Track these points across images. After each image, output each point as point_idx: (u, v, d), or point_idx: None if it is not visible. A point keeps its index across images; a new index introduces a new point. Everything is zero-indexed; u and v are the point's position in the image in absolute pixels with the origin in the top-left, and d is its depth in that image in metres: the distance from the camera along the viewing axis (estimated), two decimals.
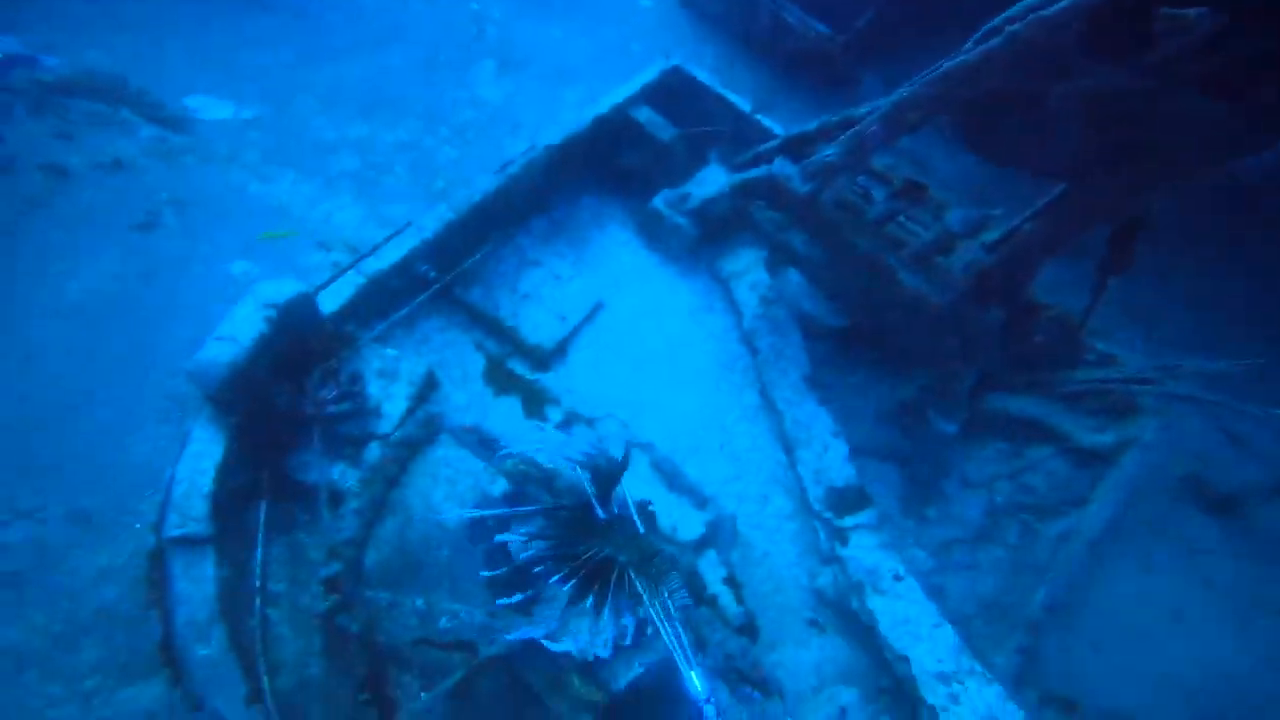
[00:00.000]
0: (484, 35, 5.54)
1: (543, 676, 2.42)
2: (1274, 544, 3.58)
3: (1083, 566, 2.93)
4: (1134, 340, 3.69)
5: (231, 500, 2.53)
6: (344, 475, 2.76)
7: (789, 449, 3.40)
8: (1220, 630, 3.33)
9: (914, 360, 3.34)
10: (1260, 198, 4.31)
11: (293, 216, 4.10)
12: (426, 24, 5.51)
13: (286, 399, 2.67)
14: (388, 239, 3.35)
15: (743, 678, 2.58)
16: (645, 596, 2.28)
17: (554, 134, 3.85)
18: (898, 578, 3.04)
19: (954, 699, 2.71)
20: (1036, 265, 2.82)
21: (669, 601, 2.30)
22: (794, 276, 3.78)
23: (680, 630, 2.26)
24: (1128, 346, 3.37)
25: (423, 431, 2.91)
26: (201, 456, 2.45)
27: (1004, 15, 2.34)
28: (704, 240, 4.05)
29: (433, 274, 3.39)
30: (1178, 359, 3.05)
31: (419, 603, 2.48)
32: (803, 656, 3.11)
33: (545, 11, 5.84)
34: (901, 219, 3.25)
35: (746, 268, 3.97)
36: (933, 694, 2.74)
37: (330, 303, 3.04)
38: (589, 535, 2.57)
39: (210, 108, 4.58)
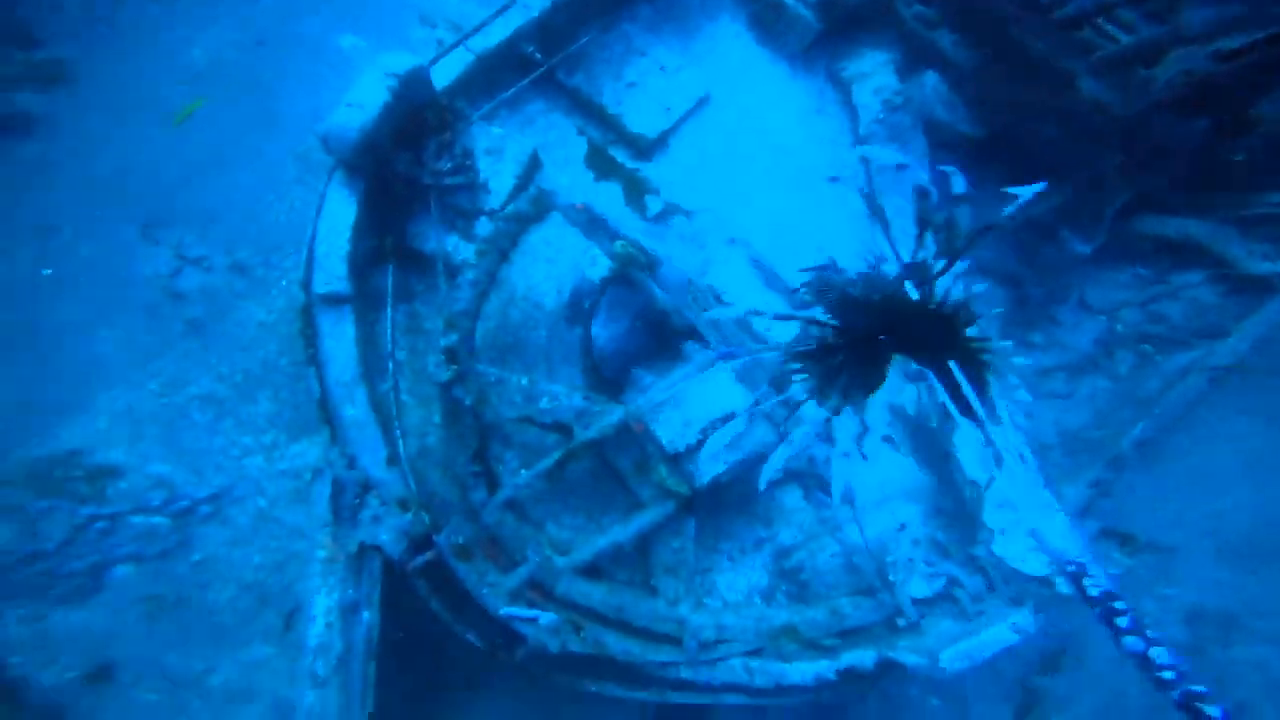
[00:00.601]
0: None
1: (631, 462, 2.63)
2: None
3: (1190, 404, 2.72)
4: None
5: (363, 263, 2.68)
6: (457, 248, 2.87)
7: (894, 261, 3.23)
8: None
9: (1060, 176, 2.99)
10: None
11: None
12: None
13: (406, 167, 2.74)
14: (494, 16, 3.20)
15: (819, 482, 2.66)
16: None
17: None
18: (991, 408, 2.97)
19: (1014, 524, 2.74)
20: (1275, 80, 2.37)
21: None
22: (931, 80, 3.37)
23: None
24: None
25: (531, 208, 2.93)
26: (337, 218, 2.59)
27: None
28: (826, 36, 3.63)
29: (538, 55, 3.26)
30: None
31: (523, 381, 2.64)
32: (871, 469, 3.17)
33: None
34: (1099, 21, 2.76)
35: (872, 70, 3.56)
36: (994, 518, 2.76)
37: (441, 78, 2.98)
38: None
39: None
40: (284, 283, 3.05)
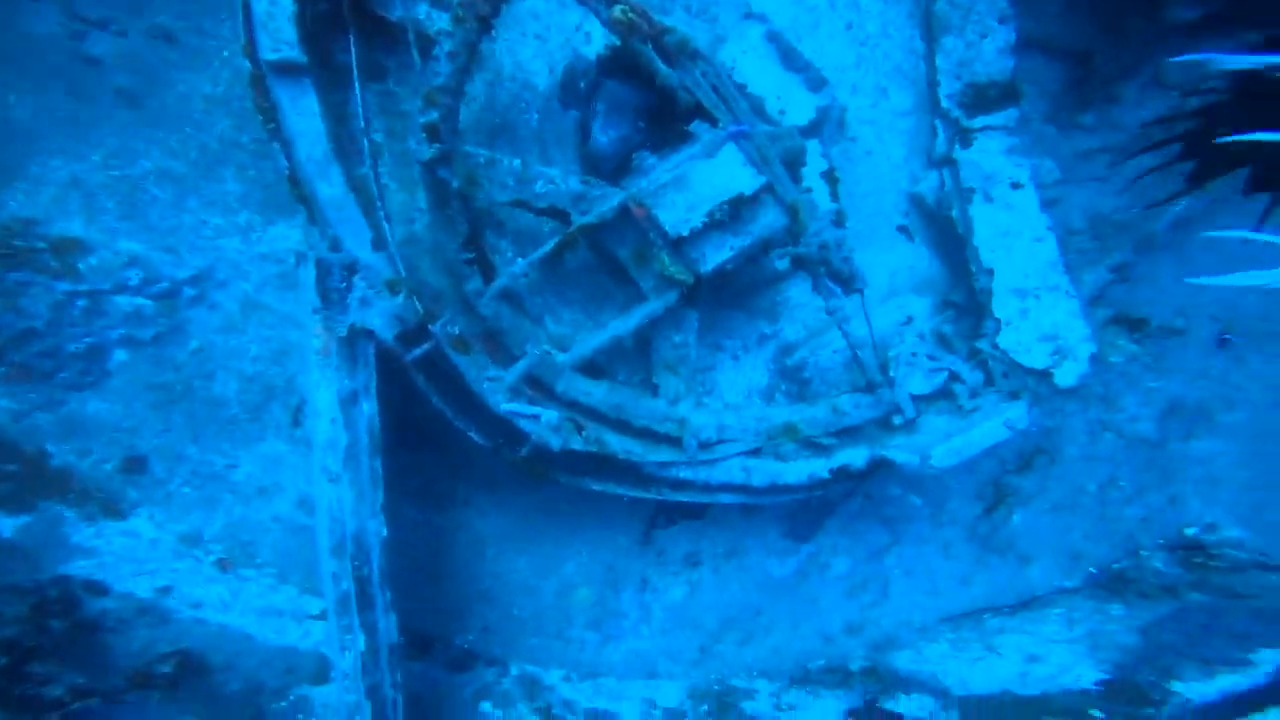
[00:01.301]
0: None
1: (632, 250, 2.46)
2: None
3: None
4: None
5: (316, 30, 2.32)
6: (430, 17, 2.46)
7: (933, 36, 2.78)
8: None
9: None
10: None
11: None
12: None
13: None
14: None
15: (830, 271, 2.53)
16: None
17: None
18: (1016, 185, 2.76)
19: (1023, 313, 2.69)
20: None
21: None
22: None
23: None
24: None
25: None
26: None
27: None
28: None
29: None
30: None
31: (515, 163, 2.40)
32: (882, 261, 3.07)
33: None
34: None
35: None
36: (1003, 307, 2.71)
37: None
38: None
39: None
40: (225, 53, 2.68)
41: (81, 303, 2.58)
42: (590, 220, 2.37)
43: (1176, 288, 3.09)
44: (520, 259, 2.51)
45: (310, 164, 2.29)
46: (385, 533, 2.31)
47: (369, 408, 2.21)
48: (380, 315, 2.16)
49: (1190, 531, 3.41)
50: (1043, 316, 2.69)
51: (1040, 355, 2.65)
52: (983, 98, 2.75)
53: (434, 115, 2.31)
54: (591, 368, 2.55)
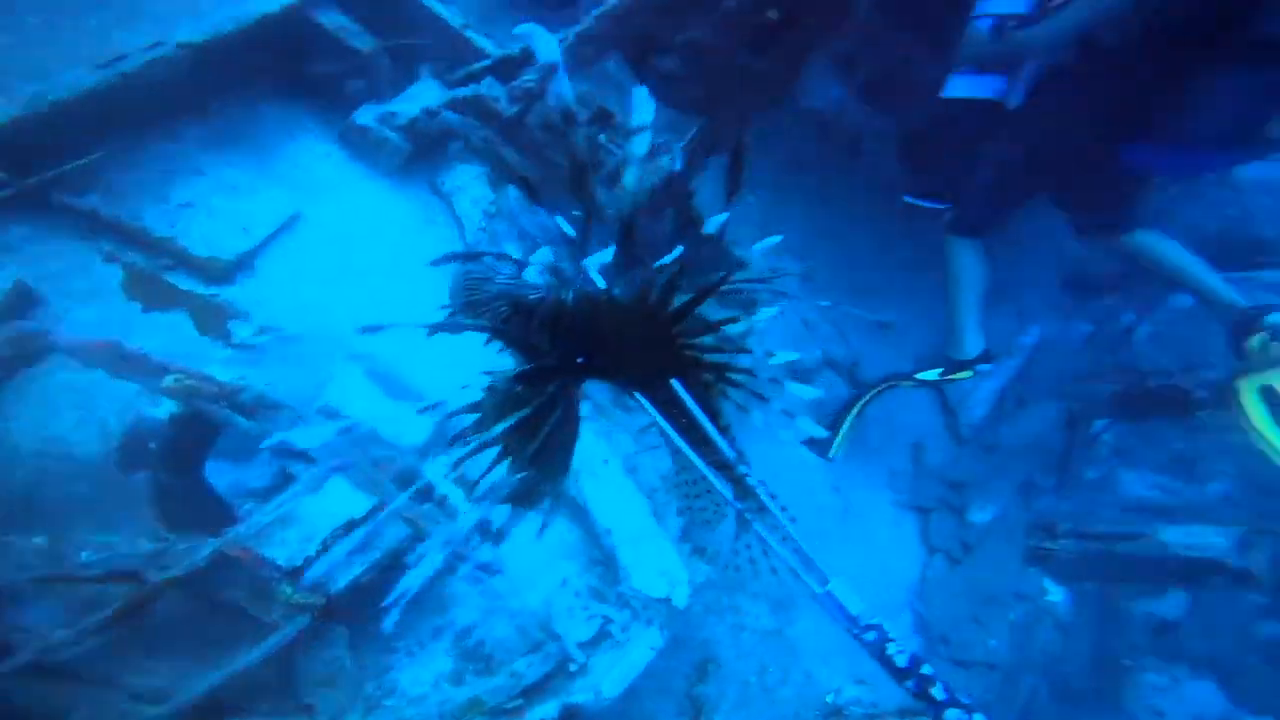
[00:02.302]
0: None
1: (246, 592, 2.35)
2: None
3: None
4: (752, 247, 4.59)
5: None
6: None
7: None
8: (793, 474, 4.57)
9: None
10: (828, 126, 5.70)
11: None
12: None
13: None
14: None
15: (465, 561, 2.80)
16: None
17: (195, 31, 3.36)
18: (605, 462, 3.51)
19: (640, 558, 3.23)
20: (689, 179, 3.40)
21: None
22: (513, 192, 3.94)
23: None
24: (749, 253, 4.25)
25: (12, 351, 2.48)
26: None
27: None
28: (419, 155, 3.98)
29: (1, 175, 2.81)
30: (780, 262, 4.01)
31: (37, 540, 2.17)
32: (534, 539, 3.45)
33: None
34: (603, 139, 3.60)
35: (467, 184, 4.00)
36: (625, 555, 3.24)
37: None
38: None
39: None
40: None
41: None
42: (178, 574, 2.24)
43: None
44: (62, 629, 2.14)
45: None
46: None
47: None
48: None
49: (829, 698, 4.10)
50: (653, 558, 3.26)
51: (661, 586, 3.17)
52: None
53: None
54: (214, 708, 2.18)
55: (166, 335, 2.75)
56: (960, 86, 3.94)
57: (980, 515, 5.63)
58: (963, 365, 4.76)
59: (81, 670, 2.17)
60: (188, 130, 3.39)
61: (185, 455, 2.50)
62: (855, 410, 4.75)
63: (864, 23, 4.66)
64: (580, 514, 3.45)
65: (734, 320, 1.30)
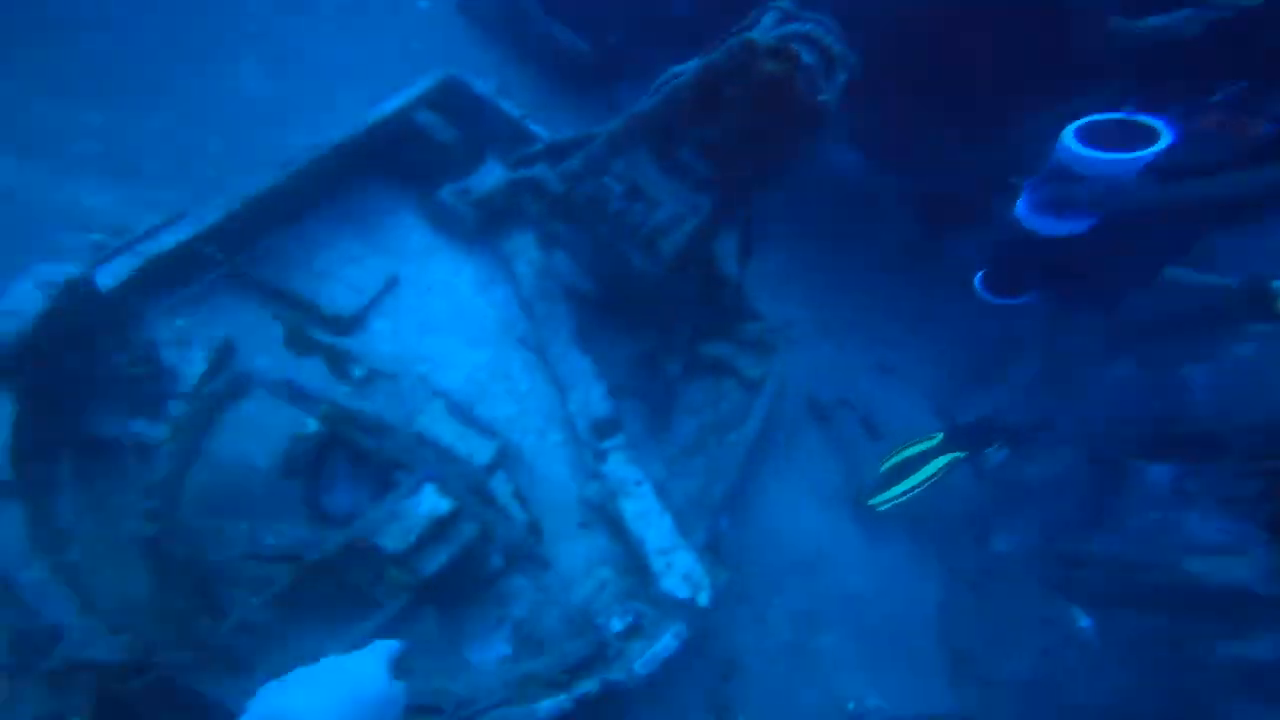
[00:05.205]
0: (240, 26, 5.52)
1: (365, 574, 3.04)
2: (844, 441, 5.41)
3: (741, 464, 4.25)
4: (768, 300, 4.97)
5: (30, 453, 2.72)
6: (146, 429, 3.06)
7: (561, 391, 4.31)
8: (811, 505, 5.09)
9: (648, 320, 4.45)
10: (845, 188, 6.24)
11: (25, 200, 4.01)
12: (157, 9, 5.26)
13: (77, 364, 2.91)
14: (166, 223, 3.57)
15: (522, 556, 3.43)
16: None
17: (338, 133, 4.28)
18: (638, 483, 4.07)
19: (668, 566, 3.74)
20: (709, 243, 4.04)
21: None
22: (560, 256, 4.67)
23: None
24: (765, 305, 4.82)
25: (227, 387, 3.25)
26: None
27: (662, 78, 3.54)
28: (486, 226, 4.77)
29: (219, 255, 3.69)
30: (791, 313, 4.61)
31: (243, 526, 2.91)
32: (576, 548, 4.03)
33: (312, 5, 5.96)
34: (637, 209, 4.31)
35: (523, 248, 4.77)
36: (656, 563, 3.75)
37: (108, 279, 3.25)
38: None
39: None
40: None
41: None
42: (319, 558, 2.94)
43: (747, 537, 4.63)
44: (254, 599, 2.87)
45: (8, 557, 2.49)
46: None
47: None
48: (101, 650, 2.24)
49: (851, 706, 4.48)
50: (680, 565, 3.73)
51: (685, 589, 3.64)
52: (603, 429, 4.21)
53: (155, 502, 2.82)
54: None
55: (311, 375, 3.52)
56: (1050, 226, 4.32)
57: (1002, 544, 5.93)
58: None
59: (266, 632, 2.86)
60: (323, 210, 4.28)
61: (323, 465, 3.24)
62: (920, 482, 5.17)
63: (879, 98, 5.19)
64: (617, 528, 4.04)
65: None
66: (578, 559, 3.99)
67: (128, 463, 2.96)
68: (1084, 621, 5.63)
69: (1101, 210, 4.09)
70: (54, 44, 4.76)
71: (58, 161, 4.25)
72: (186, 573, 2.77)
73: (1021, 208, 4.48)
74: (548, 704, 3.02)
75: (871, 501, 5.24)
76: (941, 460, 5.33)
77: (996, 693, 5.15)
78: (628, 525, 3.90)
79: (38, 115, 4.40)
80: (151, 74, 4.91)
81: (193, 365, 3.31)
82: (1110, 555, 5.62)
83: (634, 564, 3.94)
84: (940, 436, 5.44)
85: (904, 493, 5.25)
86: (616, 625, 3.51)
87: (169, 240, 3.49)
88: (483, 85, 5.04)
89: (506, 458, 3.95)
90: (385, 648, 1.78)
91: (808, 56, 3.25)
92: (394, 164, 4.70)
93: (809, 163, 5.71)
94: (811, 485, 5.21)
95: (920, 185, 6.28)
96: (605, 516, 4.06)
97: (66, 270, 2.90)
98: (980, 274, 5.32)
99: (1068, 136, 4.05)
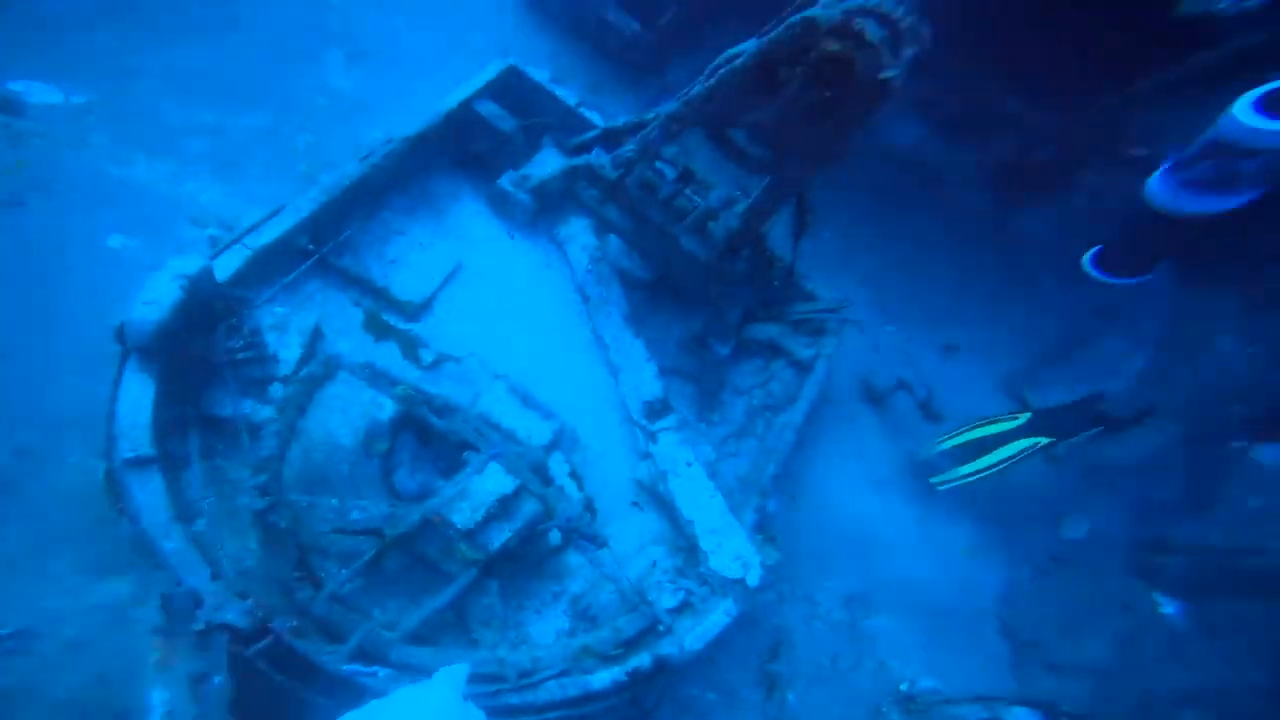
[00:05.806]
0: (327, 24, 5.81)
1: (437, 548, 3.28)
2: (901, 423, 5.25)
3: (791, 446, 4.27)
4: (823, 280, 4.97)
5: (163, 432, 3.05)
6: (255, 409, 3.38)
7: (614, 373, 4.43)
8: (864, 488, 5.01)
9: (698, 302, 4.49)
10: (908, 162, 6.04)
11: (155, 195, 4.41)
12: (262, 10, 5.61)
13: (200, 349, 3.23)
14: (267, 217, 3.86)
15: (581, 535, 3.60)
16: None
17: (410, 126, 4.47)
18: (689, 464, 4.16)
19: (718, 545, 3.83)
20: (761, 226, 4.02)
21: None
22: (613, 240, 4.76)
23: None
24: (820, 286, 4.79)
25: (321, 370, 3.55)
26: (138, 394, 2.97)
27: (718, 60, 3.51)
28: (542, 212, 4.90)
29: (310, 246, 3.97)
30: (848, 292, 4.52)
31: (333, 502, 3.20)
32: (628, 527, 4.17)
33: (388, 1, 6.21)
34: (688, 192, 4.34)
35: (577, 233, 4.88)
36: (706, 543, 3.85)
37: (223, 271, 3.54)
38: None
39: (38, 93, 4.54)
40: (71, 459, 3.23)
41: None
42: (400, 532, 3.19)
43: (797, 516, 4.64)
44: (344, 570, 3.16)
45: (155, 527, 2.81)
46: None
47: (220, 680, 2.42)
48: (234, 613, 2.48)
49: (904, 687, 4.49)
50: (730, 545, 3.82)
51: (735, 569, 3.74)
52: (654, 410, 4.32)
53: (264, 477, 3.12)
54: (418, 638, 3.10)
55: (387, 358, 3.79)
56: (1203, 203, 4.11)
57: (1074, 530, 5.72)
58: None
59: (354, 603, 3.15)
60: (395, 201, 4.51)
61: (397, 444, 3.50)
62: (995, 464, 5.00)
63: (944, 69, 4.98)
64: (668, 508, 4.15)
65: None
66: (630, 537, 4.13)
67: (241, 440, 3.29)
68: (1168, 608, 5.39)
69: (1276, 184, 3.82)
70: (180, 45, 5.13)
71: (178, 159, 4.65)
72: (288, 544, 3.07)
73: (1159, 185, 4.19)
74: (602, 675, 3.20)
75: (933, 480, 5.13)
76: (1023, 443, 5.07)
77: (1068, 678, 5.02)
78: (678, 505, 4.01)
79: (160, 114, 4.79)
80: (254, 73, 5.27)
81: (290, 349, 3.62)
82: (1207, 541, 5.33)
83: (684, 543, 4.07)
84: (1025, 417, 5.19)
85: (975, 473, 5.08)
86: (668, 602, 3.66)
87: (271, 233, 3.78)
88: (539, 73, 5.13)
89: (563, 438, 4.12)
90: (452, 674, 1.87)
91: (873, 33, 3.11)
92: (458, 152, 4.88)
93: (868, 137, 5.54)
94: (865, 468, 5.17)
95: (995, 156, 5.97)
96: (656, 496, 4.19)
97: (195, 263, 3.21)
98: (1093, 252, 5.02)
99: (1240, 110, 3.74)
